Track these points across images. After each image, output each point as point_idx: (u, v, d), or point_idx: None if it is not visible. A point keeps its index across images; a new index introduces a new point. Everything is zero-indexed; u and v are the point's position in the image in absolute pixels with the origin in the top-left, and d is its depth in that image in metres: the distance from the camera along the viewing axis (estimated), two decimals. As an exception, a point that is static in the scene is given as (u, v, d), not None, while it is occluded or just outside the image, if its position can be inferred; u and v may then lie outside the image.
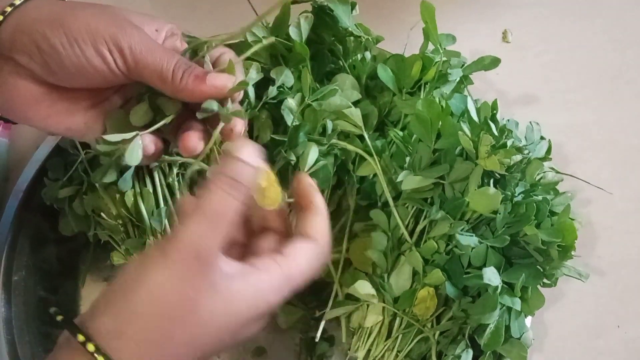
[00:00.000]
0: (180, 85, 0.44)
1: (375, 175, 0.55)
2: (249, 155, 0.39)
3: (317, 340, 0.57)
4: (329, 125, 0.55)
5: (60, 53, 0.42)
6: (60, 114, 0.46)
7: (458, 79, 0.59)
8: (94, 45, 0.42)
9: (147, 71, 0.44)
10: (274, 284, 0.40)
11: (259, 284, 0.39)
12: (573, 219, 0.53)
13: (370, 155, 0.55)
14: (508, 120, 0.61)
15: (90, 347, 0.35)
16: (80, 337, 0.35)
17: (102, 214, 0.56)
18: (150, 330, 0.36)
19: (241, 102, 0.55)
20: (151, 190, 0.56)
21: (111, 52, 0.43)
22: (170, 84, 0.44)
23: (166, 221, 0.56)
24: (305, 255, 0.42)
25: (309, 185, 0.45)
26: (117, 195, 0.56)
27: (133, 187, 0.56)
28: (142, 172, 0.56)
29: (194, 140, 0.46)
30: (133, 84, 0.47)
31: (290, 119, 0.55)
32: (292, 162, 0.55)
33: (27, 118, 0.46)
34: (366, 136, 0.55)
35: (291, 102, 0.55)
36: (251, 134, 0.58)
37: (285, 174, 0.56)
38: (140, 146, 0.47)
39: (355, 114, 0.55)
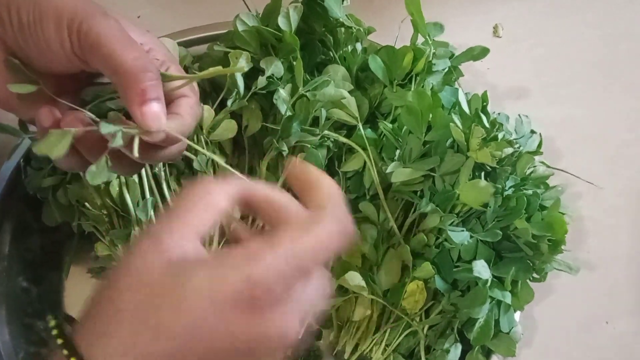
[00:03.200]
0: (125, 83, 0.39)
1: (364, 167, 0.55)
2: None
3: (299, 337, 0.56)
4: (323, 114, 0.54)
5: (25, 29, 0.40)
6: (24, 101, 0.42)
7: (446, 69, 0.59)
8: (55, 24, 0.39)
9: (99, 55, 0.39)
10: (243, 268, 0.32)
11: (216, 270, 0.32)
12: (563, 213, 0.53)
13: (364, 148, 0.54)
14: (499, 113, 0.60)
15: None
16: None
17: (87, 204, 0.55)
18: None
19: (229, 93, 0.55)
20: (137, 181, 0.55)
21: (70, 34, 0.39)
22: (117, 76, 0.39)
23: (152, 212, 0.55)
24: (306, 224, 0.34)
25: (305, 166, 0.39)
26: (102, 185, 0.55)
27: (118, 176, 0.55)
28: (128, 161, 0.55)
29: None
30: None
31: (284, 109, 0.54)
32: (284, 153, 0.54)
33: (11, 107, 0.44)
34: (360, 126, 0.55)
35: (283, 92, 0.55)
36: (240, 124, 0.57)
37: (276, 165, 0.55)
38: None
39: (352, 103, 0.55)
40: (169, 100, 0.43)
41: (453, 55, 0.59)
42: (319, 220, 0.34)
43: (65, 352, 0.32)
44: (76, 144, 0.41)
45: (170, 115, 0.41)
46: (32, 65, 0.42)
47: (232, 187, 0.36)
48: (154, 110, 0.39)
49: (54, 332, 0.33)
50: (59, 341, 0.33)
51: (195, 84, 0.45)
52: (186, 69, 0.61)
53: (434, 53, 0.58)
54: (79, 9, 0.39)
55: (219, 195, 0.35)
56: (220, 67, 0.41)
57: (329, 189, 0.37)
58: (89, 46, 0.39)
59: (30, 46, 0.40)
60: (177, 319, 0.31)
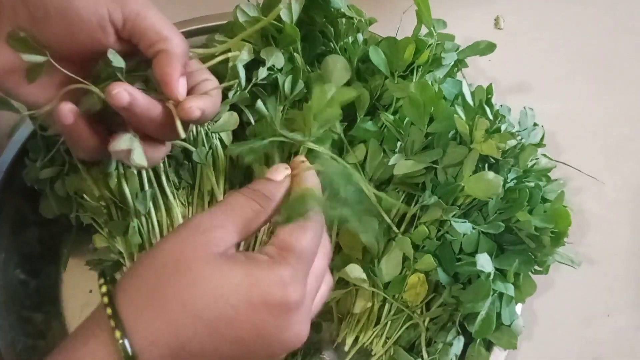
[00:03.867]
0: (170, 54, 0.43)
1: (365, 160, 0.54)
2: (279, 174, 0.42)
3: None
4: None
5: (50, 11, 0.40)
6: (34, 85, 0.43)
7: (452, 62, 0.58)
8: (62, 17, 0.40)
9: (144, 28, 0.42)
10: (273, 273, 0.37)
11: (256, 272, 0.37)
12: (565, 207, 0.53)
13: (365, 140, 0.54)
14: (501, 105, 0.60)
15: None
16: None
17: (85, 195, 0.55)
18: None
19: (230, 86, 0.54)
20: (135, 172, 0.55)
21: (108, 4, 0.41)
22: (165, 43, 0.43)
23: (150, 204, 0.55)
24: (298, 233, 0.39)
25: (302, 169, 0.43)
26: (100, 177, 0.54)
27: (116, 168, 0.54)
28: (127, 152, 0.55)
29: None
30: None
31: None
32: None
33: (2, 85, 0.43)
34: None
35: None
36: (240, 115, 0.57)
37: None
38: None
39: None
40: (193, 83, 0.46)
41: (459, 48, 0.59)
42: (306, 223, 0.39)
43: (109, 311, 0.35)
44: (126, 113, 0.43)
45: (200, 95, 0.45)
46: (50, 40, 0.42)
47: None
48: (183, 83, 0.43)
49: (105, 299, 0.36)
50: (108, 311, 0.35)
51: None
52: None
53: (439, 45, 0.57)
54: None
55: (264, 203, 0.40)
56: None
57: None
58: (135, 17, 0.42)
59: (53, 18, 0.40)
60: (215, 310, 0.35)
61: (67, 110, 0.41)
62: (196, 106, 0.43)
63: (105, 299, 0.36)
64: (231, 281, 0.36)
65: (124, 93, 0.41)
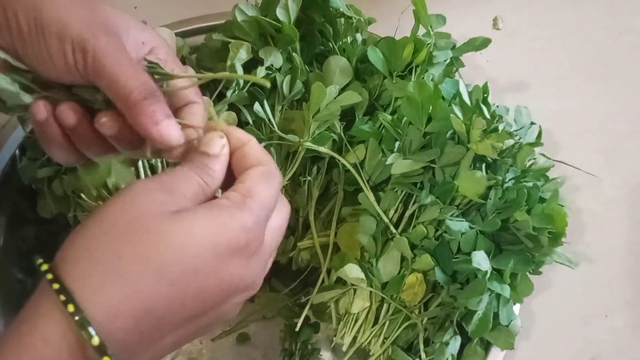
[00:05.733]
0: (133, 110, 0.39)
1: (364, 159, 0.54)
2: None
3: (297, 329, 0.56)
4: None
5: (26, 39, 0.39)
6: None
7: (448, 60, 0.58)
8: (58, 40, 0.39)
9: (104, 81, 0.40)
10: (237, 217, 0.35)
11: (220, 218, 0.35)
12: (562, 206, 0.53)
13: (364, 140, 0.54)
14: (497, 106, 0.60)
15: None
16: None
17: (82, 194, 0.54)
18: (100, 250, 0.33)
19: (228, 85, 0.54)
20: (133, 171, 0.54)
21: (74, 52, 0.39)
22: (123, 103, 0.39)
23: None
24: (258, 175, 0.38)
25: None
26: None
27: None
28: (125, 151, 0.55)
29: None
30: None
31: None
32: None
33: None
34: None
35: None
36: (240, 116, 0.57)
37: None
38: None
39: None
40: (177, 105, 0.43)
41: (454, 46, 0.59)
42: (272, 172, 0.39)
43: (62, 297, 0.31)
44: (71, 135, 0.42)
45: (187, 129, 0.42)
46: (30, 67, 0.41)
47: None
48: (168, 128, 0.39)
49: (49, 276, 0.32)
50: (55, 286, 0.32)
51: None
52: (183, 60, 0.60)
53: (434, 44, 0.57)
54: (83, 28, 0.39)
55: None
56: (226, 73, 0.44)
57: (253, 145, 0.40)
58: (94, 70, 0.39)
59: (30, 54, 0.40)
60: (180, 265, 0.33)
61: (42, 105, 0.41)
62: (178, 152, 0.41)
63: (49, 275, 0.32)
64: (196, 231, 0.34)
65: (110, 124, 0.40)
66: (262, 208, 0.37)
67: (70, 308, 0.31)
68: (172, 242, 0.33)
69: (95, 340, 0.31)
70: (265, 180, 0.38)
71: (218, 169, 0.39)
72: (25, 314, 0.33)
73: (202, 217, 0.35)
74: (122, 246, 0.33)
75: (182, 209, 0.35)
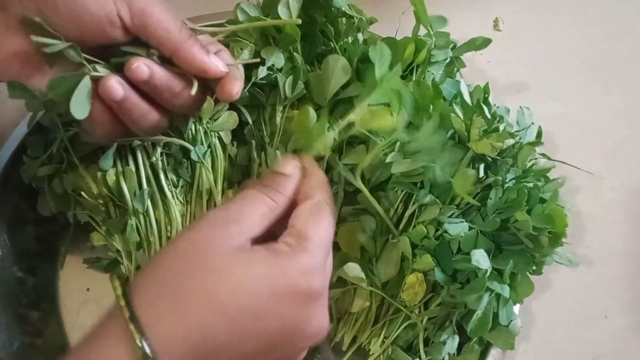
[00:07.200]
0: (186, 43, 0.43)
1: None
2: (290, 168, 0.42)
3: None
4: None
5: (59, 5, 0.40)
6: (44, 75, 0.43)
7: (447, 59, 0.58)
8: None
9: (151, 29, 0.43)
10: (296, 261, 0.37)
11: (278, 262, 0.36)
12: (562, 207, 0.53)
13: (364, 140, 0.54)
14: (498, 106, 0.60)
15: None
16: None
17: (83, 193, 0.54)
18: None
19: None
20: (134, 170, 0.55)
21: (117, 4, 0.41)
22: (174, 42, 0.43)
23: (149, 202, 0.55)
24: (306, 214, 0.40)
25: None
26: (99, 174, 0.54)
27: (115, 165, 0.54)
28: (125, 150, 0.55)
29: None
30: None
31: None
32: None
33: (12, 75, 0.43)
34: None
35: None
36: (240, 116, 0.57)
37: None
38: (88, 89, 0.42)
39: None
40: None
41: (455, 45, 0.59)
42: (320, 207, 0.40)
43: (127, 314, 0.34)
44: (117, 108, 0.44)
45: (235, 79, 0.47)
46: (58, 32, 0.42)
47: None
48: (216, 59, 0.45)
49: (118, 291, 0.35)
50: (122, 302, 0.34)
51: None
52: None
53: (434, 44, 0.57)
54: None
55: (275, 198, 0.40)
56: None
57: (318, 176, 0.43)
58: (140, 20, 0.42)
59: (61, 12, 0.40)
60: (239, 303, 0.34)
61: (116, 82, 0.42)
62: (236, 91, 0.46)
63: (122, 302, 0.35)
64: (254, 273, 0.35)
65: (143, 66, 0.42)
66: (319, 248, 0.38)
67: (136, 337, 0.33)
68: (230, 281, 0.35)
69: None
70: (316, 219, 0.39)
71: (288, 188, 0.41)
72: (97, 332, 0.35)
73: (261, 258, 0.36)
74: (185, 280, 0.35)
75: (245, 243, 0.37)
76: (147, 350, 0.33)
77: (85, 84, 0.42)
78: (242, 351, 0.35)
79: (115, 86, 0.42)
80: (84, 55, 0.42)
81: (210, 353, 0.34)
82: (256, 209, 0.39)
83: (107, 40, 0.43)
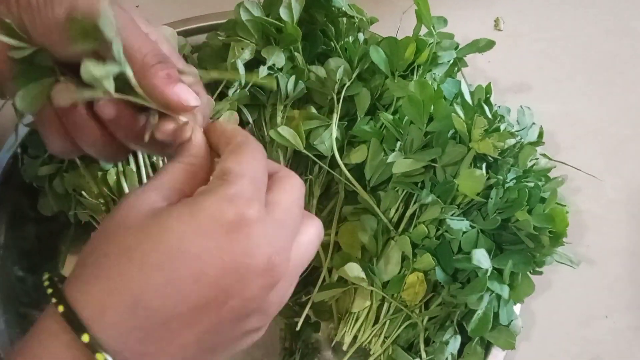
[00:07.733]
0: (149, 71, 0.38)
1: (366, 159, 0.54)
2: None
3: (298, 328, 0.56)
4: None
5: (34, 9, 0.39)
6: None
7: (452, 60, 0.58)
8: (68, 9, 0.39)
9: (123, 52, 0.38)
10: (216, 193, 0.34)
11: (198, 201, 0.34)
12: (563, 206, 0.53)
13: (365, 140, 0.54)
14: (499, 106, 0.60)
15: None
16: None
17: (84, 192, 0.55)
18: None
19: (229, 84, 0.54)
20: (134, 169, 0.55)
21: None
22: (138, 66, 0.38)
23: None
24: (225, 155, 0.37)
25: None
26: (99, 174, 0.54)
27: (115, 165, 0.54)
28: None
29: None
30: None
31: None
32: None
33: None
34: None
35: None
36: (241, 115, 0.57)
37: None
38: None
39: None
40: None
41: (458, 46, 0.59)
42: (241, 143, 0.37)
43: (53, 299, 0.32)
44: (65, 121, 0.41)
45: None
46: (38, 42, 0.40)
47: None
48: (184, 89, 0.39)
49: (46, 283, 0.34)
50: (49, 291, 0.33)
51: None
52: (185, 58, 0.60)
53: (438, 44, 0.57)
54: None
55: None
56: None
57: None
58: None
59: (37, 26, 0.39)
60: (160, 247, 0.32)
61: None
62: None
63: (54, 299, 0.33)
64: (174, 217, 0.33)
65: (109, 107, 0.39)
66: (243, 178, 0.35)
67: (60, 308, 0.31)
68: (151, 231, 0.33)
69: (85, 337, 0.31)
70: (233, 156, 0.36)
71: (196, 145, 0.38)
72: (34, 328, 0.33)
73: (181, 205, 0.34)
74: (106, 246, 0.33)
75: (166, 196, 0.35)
76: (76, 322, 0.31)
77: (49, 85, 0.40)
78: (188, 303, 0.32)
79: (64, 89, 0.39)
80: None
81: (150, 314, 0.32)
82: (174, 173, 0.37)
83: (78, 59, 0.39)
